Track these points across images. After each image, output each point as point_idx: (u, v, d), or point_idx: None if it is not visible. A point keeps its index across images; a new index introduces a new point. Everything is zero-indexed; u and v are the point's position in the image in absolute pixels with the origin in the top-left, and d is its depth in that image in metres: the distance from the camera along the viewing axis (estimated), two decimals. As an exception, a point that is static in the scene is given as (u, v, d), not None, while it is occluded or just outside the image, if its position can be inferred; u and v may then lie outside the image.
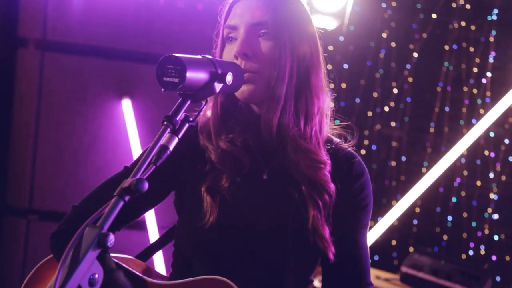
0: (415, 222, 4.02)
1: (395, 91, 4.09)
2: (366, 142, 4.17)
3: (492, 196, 3.81)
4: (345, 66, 4.18)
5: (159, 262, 3.25)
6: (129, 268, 1.60)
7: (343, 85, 4.17)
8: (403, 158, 4.08)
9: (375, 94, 4.15)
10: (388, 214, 3.86)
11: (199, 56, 1.39)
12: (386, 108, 4.12)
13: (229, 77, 1.40)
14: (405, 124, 4.09)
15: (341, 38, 4.14)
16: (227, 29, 1.57)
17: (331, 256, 1.53)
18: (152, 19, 3.41)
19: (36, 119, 3.49)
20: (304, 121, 1.54)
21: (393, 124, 4.11)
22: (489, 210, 3.82)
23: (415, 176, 3.90)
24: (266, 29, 1.52)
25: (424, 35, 4.01)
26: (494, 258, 3.79)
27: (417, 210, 4.00)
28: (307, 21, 1.59)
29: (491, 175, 3.82)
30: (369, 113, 4.16)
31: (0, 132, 3.63)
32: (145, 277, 1.59)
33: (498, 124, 3.77)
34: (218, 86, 1.38)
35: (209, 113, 1.61)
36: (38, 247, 3.38)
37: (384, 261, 4.01)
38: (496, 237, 3.80)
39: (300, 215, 1.53)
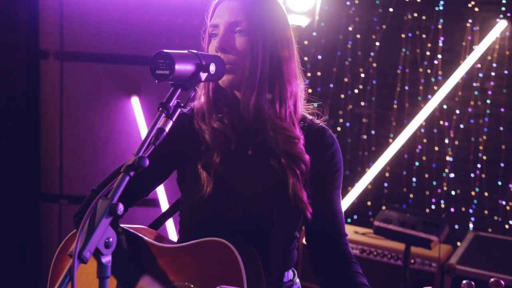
0: (385, 184, 4.11)
1: (362, 75, 4.17)
2: (340, 120, 4.26)
3: (448, 158, 3.91)
4: (319, 57, 4.26)
5: (172, 231, 3.31)
6: (137, 233, 1.65)
7: (318, 73, 4.27)
8: (373, 132, 4.16)
9: (345, 79, 4.21)
10: (362, 180, 3.97)
11: (186, 51, 1.38)
12: (356, 91, 4.20)
13: (212, 67, 1.40)
14: (372, 103, 4.16)
15: (314, 33, 4.21)
16: (211, 27, 1.58)
17: (309, 216, 1.56)
18: (154, 30, 3.42)
19: (60, 119, 3.50)
20: (279, 103, 1.56)
21: (362, 103, 4.19)
22: (446, 170, 3.92)
23: (383, 146, 4.01)
24: (240, 26, 1.52)
25: (384, 27, 4.08)
26: (452, 210, 3.90)
27: (387, 174, 4.09)
28: (280, 18, 1.58)
29: (446, 141, 3.90)
30: (342, 96, 4.23)
31: (31, 132, 3.66)
32: (150, 240, 1.62)
33: (450, 98, 3.86)
34: (203, 75, 1.38)
35: (203, 98, 1.63)
36: (70, 227, 3.35)
37: (362, 219, 4.13)
38: (453, 193, 3.90)
39: (282, 183, 1.56)
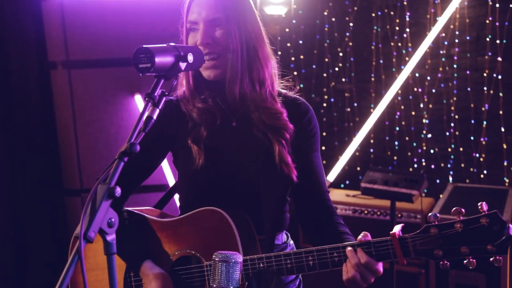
0: (371, 150, 4.11)
1: (341, 54, 4.15)
2: (325, 96, 4.25)
3: (424, 120, 3.90)
4: (300, 41, 4.24)
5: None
6: (140, 212, 1.66)
7: (301, 57, 4.25)
8: (355, 104, 4.15)
9: (326, 59, 4.20)
10: (350, 148, 3.98)
11: (165, 45, 1.37)
12: (336, 69, 4.18)
13: (190, 57, 1.39)
14: (352, 78, 4.15)
15: (294, 21, 4.20)
16: (189, 24, 1.58)
17: (295, 178, 1.58)
18: (151, 34, 3.37)
19: (73, 121, 3.50)
20: (259, 85, 1.57)
21: (343, 79, 4.17)
22: (424, 131, 3.91)
23: (366, 116, 4.00)
24: (220, 21, 1.53)
25: (355, 8, 4.05)
26: (432, 166, 3.90)
27: (372, 141, 4.09)
28: (250, 10, 1.60)
29: (421, 105, 3.90)
30: (324, 74, 4.22)
31: (49, 136, 3.69)
32: (152, 217, 1.63)
33: (420, 66, 3.85)
34: (182, 65, 1.37)
35: (185, 85, 1.64)
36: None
37: (353, 184, 4.12)
38: (432, 151, 3.90)
39: (267, 149, 1.57)
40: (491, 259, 1.30)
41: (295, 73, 4.25)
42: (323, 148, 4.22)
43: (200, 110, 1.59)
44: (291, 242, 1.76)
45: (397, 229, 1.38)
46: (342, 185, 4.16)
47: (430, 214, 1.33)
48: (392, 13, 3.91)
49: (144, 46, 1.30)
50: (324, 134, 4.21)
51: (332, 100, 4.23)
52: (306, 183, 1.63)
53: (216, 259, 1.30)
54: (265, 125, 1.57)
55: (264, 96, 1.58)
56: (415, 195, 2.80)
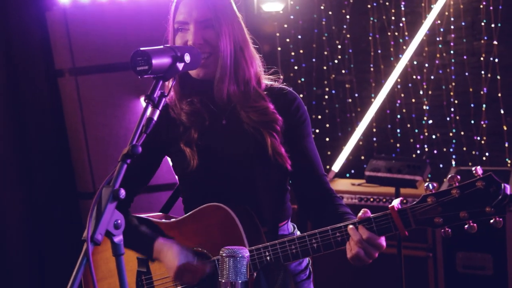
0: (374, 139, 4.07)
1: (339, 47, 4.11)
2: (326, 89, 4.21)
3: (425, 107, 3.86)
4: (299, 36, 4.20)
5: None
6: (146, 216, 1.65)
7: (301, 51, 4.22)
8: (356, 95, 4.11)
9: (325, 52, 4.16)
10: (352, 137, 3.95)
11: (161, 46, 1.34)
12: (336, 61, 4.15)
13: (187, 57, 1.36)
14: (352, 69, 4.11)
15: (292, 17, 4.17)
16: (178, 24, 1.56)
17: (289, 167, 1.56)
18: (150, 38, 3.36)
19: (83, 126, 3.48)
20: (244, 85, 1.57)
21: (343, 71, 4.14)
22: (425, 118, 3.87)
23: (367, 106, 3.96)
24: (210, 23, 1.52)
25: (351, 1, 4.00)
26: (435, 151, 3.87)
27: (374, 130, 4.05)
28: (234, 12, 1.59)
29: (421, 92, 3.86)
30: (324, 67, 4.18)
31: (61, 141, 3.69)
32: (157, 220, 1.62)
33: (418, 54, 3.81)
34: (180, 65, 1.34)
35: (171, 90, 1.59)
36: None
37: (358, 173, 4.07)
38: (433, 136, 3.87)
39: (259, 143, 1.55)
40: (491, 221, 1.29)
41: (296, 67, 4.22)
42: (327, 139, 4.19)
43: (188, 113, 1.58)
44: (298, 232, 1.74)
45: (395, 202, 1.37)
46: (347, 175, 4.13)
47: (426, 183, 1.33)
48: (387, 3, 3.87)
49: (141, 48, 1.28)
50: (328, 125, 4.18)
51: (333, 92, 4.20)
52: (302, 168, 1.61)
53: (224, 254, 1.28)
54: (254, 122, 1.55)
55: (249, 94, 1.57)
56: (419, 181, 2.77)
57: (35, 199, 3.63)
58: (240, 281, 1.28)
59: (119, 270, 1.17)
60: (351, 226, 1.37)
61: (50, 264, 3.59)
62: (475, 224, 1.31)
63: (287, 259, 1.41)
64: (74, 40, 3.43)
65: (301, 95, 4.20)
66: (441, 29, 3.70)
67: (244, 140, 1.57)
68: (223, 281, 1.28)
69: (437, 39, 3.73)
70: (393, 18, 3.86)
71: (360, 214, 1.38)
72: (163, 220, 1.62)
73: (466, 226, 1.32)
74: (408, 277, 2.88)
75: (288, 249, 1.41)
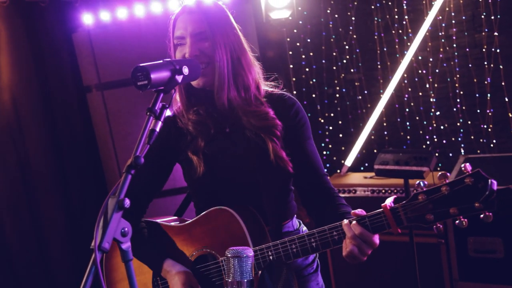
0: (385, 133, 3.99)
1: (347, 47, 4.03)
2: (337, 88, 4.15)
3: (432, 99, 3.76)
4: (308, 40, 4.14)
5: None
6: (157, 221, 1.64)
7: (311, 54, 4.16)
8: (365, 92, 4.04)
9: (334, 53, 4.09)
10: (363, 133, 3.88)
11: (160, 61, 1.33)
12: (344, 61, 4.08)
13: (185, 70, 1.34)
14: (360, 68, 4.03)
15: (300, 22, 4.12)
16: (176, 39, 1.55)
17: (291, 170, 1.54)
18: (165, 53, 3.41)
19: (111, 137, 3.53)
20: (244, 91, 1.55)
21: (352, 70, 4.07)
22: (432, 110, 3.77)
23: (376, 101, 3.87)
24: (205, 35, 1.51)
25: (355, 3, 3.92)
26: (444, 141, 3.77)
27: (385, 124, 3.97)
28: (230, 21, 1.58)
29: (427, 85, 3.75)
30: (334, 68, 4.12)
31: (92, 152, 3.75)
32: (168, 224, 1.61)
33: (422, 49, 3.71)
34: (179, 78, 1.32)
35: (179, 101, 1.62)
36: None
37: (371, 166, 3.93)
38: (442, 127, 3.76)
39: (261, 148, 1.53)
40: (481, 216, 1.24)
41: (307, 69, 4.18)
42: (340, 135, 4.13)
43: (194, 123, 1.56)
44: (304, 228, 1.72)
45: (388, 201, 1.33)
46: (362, 168, 4.06)
47: (417, 182, 1.29)
48: (390, 3, 3.77)
49: (140, 64, 1.27)
50: (340, 122, 4.12)
51: (344, 90, 4.13)
52: (303, 170, 1.59)
53: (229, 255, 1.27)
54: (255, 126, 1.53)
55: (250, 100, 1.55)
56: (426, 171, 2.69)
57: (72, 205, 3.69)
58: (245, 280, 1.26)
59: (129, 274, 1.17)
60: (345, 222, 1.33)
61: (85, 266, 3.64)
62: (465, 220, 1.26)
63: (288, 258, 1.39)
64: (99, 57, 3.49)
65: (314, 95, 4.18)
66: (443, 24, 3.59)
67: (246, 146, 1.55)
68: (229, 280, 1.26)
69: (440, 34, 3.62)
70: (396, 17, 3.77)
71: (356, 212, 1.34)
72: (174, 224, 1.61)
73: (457, 221, 1.27)
74: (421, 264, 2.82)
75: (289, 248, 1.39)
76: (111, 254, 1.68)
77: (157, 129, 1.25)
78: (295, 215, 1.70)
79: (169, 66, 1.32)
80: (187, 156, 1.57)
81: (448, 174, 1.26)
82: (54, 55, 3.69)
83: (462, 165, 1.24)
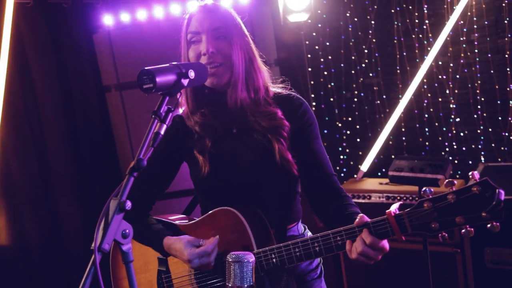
0: (403, 138, 3.94)
1: (366, 51, 3.99)
2: (355, 92, 4.11)
3: (452, 105, 3.70)
4: (327, 43, 4.12)
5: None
6: (165, 219, 1.65)
7: (330, 57, 4.13)
8: (384, 96, 3.99)
9: (353, 57, 4.05)
10: (380, 138, 3.83)
11: (167, 64, 1.32)
12: (363, 65, 4.04)
13: (191, 73, 1.33)
14: (379, 72, 3.99)
15: (319, 25, 4.09)
16: (191, 34, 1.54)
17: (295, 172, 1.53)
18: None
19: (128, 136, 3.56)
20: (254, 92, 1.55)
21: (370, 74, 4.02)
22: (452, 116, 3.71)
23: (395, 106, 3.82)
24: (222, 32, 1.51)
25: (375, 7, 3.88)
26: (464, 148, 3.70)
27: (403, 129, 3.92)
28: (242, 24, 1.60)
29: (447, 91, 3.69)
30: (352, 71, 4.08)
31: (110, 151, 3.80)
32: (176, 223, 1.62)
33: (443, 54, 3.65)
34: (185, 81, 1.32)
35: (186, 102, 1.62)
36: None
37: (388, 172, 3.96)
38: (462, 134, 3.70)
39: (266, 149, 1.52)
40: (488, 225, 1.20)
41: (325, 73, 4.15)
42: (358, 140, 4.09)
43: (201, 124, 1.57)
44: (309, 233, 1.71)
45: (393, 207, 1.30)
46: (379, 174, 4.01)
47: (423, 188, 1.25)
48: (410, 7, 3.72)
49: (146, 68, 1.27)
50: (358, 127, 4.08)
51: (362, 94, 4.09)
52: (310, 169, 1.57)
53: (230, 259, 1.26)
54: (262, 127, 1.53)
55: (259, 101, 1.56)
56: (441, 179, 2.63)
57: (87, 203, 3.74)
58: (245, 285, 1.26)
59: (129, 275, 1.17)
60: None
61: (102, 266, 3.68)
62: (472, 229, 1.22)
63: (291, 262, 1.37)
64: (118, 58, 3.53)
65: (332, 99, 4.15)
66: (464, 29, 3.53)
67: (252, 147, 1.55)
68: (229, 285, 1.26)
69: (461, 39, 3.55)
70: (416, 21, 3.72)
71: (357, 220, 1.32)
72: (180, 222, 1.62)
73: (463, 231, 1.23)
74: (436, 273, 2.76)
75: (293, 252, 1.37)
76: (117, 252, 1.69)
77: (162, 132, 1.24)
78: (301, 220, 1.69)
79: (175, 70, 1.31)
80: (193, 155, 1.57)
81: (455, 181, 1.23)
82: (75, 55, 3.75)
83: (470, 173, 1.21)
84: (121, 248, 1.15)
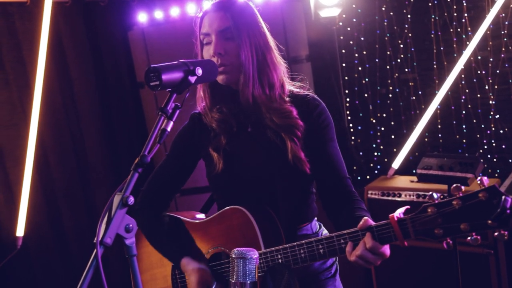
0: (440, 135, 3.82)
1: (402, 46, 3.89)
2: (390, 88, 4.01)
3: (491, 102, 3.55)
4: (362, 38, 4.04)
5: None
6: (179, 216, 1.67)
7: (364, 52, 4.06)
8: (420, 92, 3.87)
9: (388, 52, 3.95)
10: (413, 134, 3.73)
11: (175, 62, 1.32)
12: (399, 60, 3.93)
13: (199, 71, 1.33)
14: (415, 67, 3.87)
15: (354, 20, 4.02)
16: (202, 35, 1.55)
17: (308, 171, 1.51)
18: None
19: (161, 131, 3.64)
20: (268, 89, 1.54)
21: (406, 70, 3.91)
22: (491, 112, 3.56)
23: (431, 103, 3.70)
24: (230, 33, 1.50)
25: (412, 0, 3.77)
26: (503, 146, 3.55)
27: (439, 126, 3.80)
28: (256, 18, 1.56)
29: (486, 87, 3.55)
30: (388, 67, 3.98)
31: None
32: (188, 220, 1.63)
33: (482, 49, 3.51)
34: (192, 79, 1.32)
35: (204, 98, 1.63)
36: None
37: None
38: (501, 131, 3.55)
39: (280, 148, 1.52)
40: (495, 234, 1.14)
41: (360, 68, 4.08)
42: (393, 136, 4.00)
43: (218, 121, 1.57)
44: (324, 231, 1.69)
45: (398, 211, 1.26)
46: (414, 171, 3.90)
47: (429, 192, 1.20)
48: (449, 0, 3.60)
49: (152, 66, 1.28)
50: (392, 123, 3.99)
51: (397, 90, 3.98)
52: (324, 172, 1.56)
53: (233, 256, 1.28)
54: (277, 125, 1.52)
55: (274, 98, 1.54)
56: (470, 178, 2.53)
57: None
58: (249, 282, 1.26)
59: (132, 269, 1.20)
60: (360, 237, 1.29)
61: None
62: (478, 237, 1.16)
63: (296, 263, 1.36)
64: (151, 54, 3.61)
65: (366, 95, 4.07)
66: (506, 22, 3.37)
67: (266, 146, 1.55)
68: (233, 281, 1.27)
69: (502, 32, 3.40)
70: (455, 14, 3.58)
71: (360, 223, 1.29)
72: (192, 220, 1.64)
73: (468, 238, 1.18)
74: (467, 275, 2.67)
75: (297, 253, 1.36)
76: (137, 245, 1.74)
77: (169, 128, 1.26)
78: (316, 218, 1.67)
79: (183, 67, 1.32)
80: (208, 152, 1.59)
81: (462, 187, 1.17)
82: (111, 52, 3.86)
83: (479, 179, 1.15)
84: (124, 242, 1.18)
